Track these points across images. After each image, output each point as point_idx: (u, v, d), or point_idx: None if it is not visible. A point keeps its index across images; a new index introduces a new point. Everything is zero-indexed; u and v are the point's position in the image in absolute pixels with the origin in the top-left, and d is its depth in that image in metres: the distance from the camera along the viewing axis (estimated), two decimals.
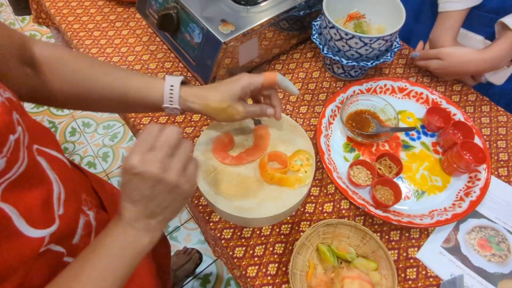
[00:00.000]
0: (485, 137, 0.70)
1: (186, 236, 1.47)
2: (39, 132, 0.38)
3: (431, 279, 0.56)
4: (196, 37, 0.70)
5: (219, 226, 0.60)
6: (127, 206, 0.35)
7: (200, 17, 0.68)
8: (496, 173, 0.66)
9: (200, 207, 0.62)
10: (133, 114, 0.72)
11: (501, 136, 0.71)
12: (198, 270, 1.40)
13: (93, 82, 0.46)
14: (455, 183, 0.64)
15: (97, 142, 1.75)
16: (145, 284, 0.56)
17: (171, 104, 0.48)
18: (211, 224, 0.60)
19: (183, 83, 0.49)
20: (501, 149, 0.69)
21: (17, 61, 0.42)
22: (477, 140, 0.66)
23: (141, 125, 0.71)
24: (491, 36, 0.72)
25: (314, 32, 0.75)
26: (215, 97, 0.48)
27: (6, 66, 0.40)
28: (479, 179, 0.63)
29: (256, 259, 0.57)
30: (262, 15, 0.69)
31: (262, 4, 0.71)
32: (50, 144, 0.39)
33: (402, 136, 0.70)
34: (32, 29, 2.14)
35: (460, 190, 0.64)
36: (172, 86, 0.47)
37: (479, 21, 0.74)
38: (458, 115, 0.70)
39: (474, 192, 0.61)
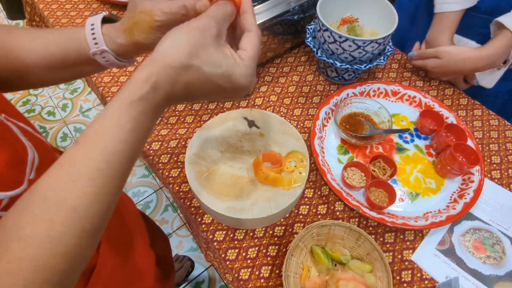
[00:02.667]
0: (477, 140, 0.71)
1: (178, 243, 1.44)
2: (6, 105, 0.36)
3: (426, 282, 0.55)
4: None
5: (211, 228, 0.59)
6: (177, 97, 0.32)
7: None
8: (489, 175, 0.66)
9: (193, 209, 0.60)
10: None
11: (493, 139, 0.71)
12: (190, 277, 1.37)
13: (12, 49, 0.40)
14: (449, 185, 0.64)
15: None
16: (146, 272, 0.55)
17: (97, 47, 0.39)
18: (203, 226, 0.59)
19: (108, 21, 0.40)
20: (494, 152, 0.69)
21: None
22: (470, 143, 0.66)
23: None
24: (484, 40, 0.73)
25: (308, 36, 0.75)
26: (126, 13, 0.39)
27: None
28: (472, 181, 0.63)
29: (249, 261, 0.56)
30: (256, 17, 0.70)
31: (256, 7, 0.72)
32: (19, 118, 0.37)
33: (395, 138, 0.70)
34: None
35: (454, 192, 0.63)
36: (92, 24, 0.39)
37: (474, 23, 0.75)
38: (450, 118, 0.71)
39: (468, 194, 0.61)
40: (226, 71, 0.32)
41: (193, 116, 0.71)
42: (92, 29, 0.39)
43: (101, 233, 0.30)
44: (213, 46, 0.32)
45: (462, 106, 0.76)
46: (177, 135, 0.69)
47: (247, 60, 0.33)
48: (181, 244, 1.45)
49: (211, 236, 0.58)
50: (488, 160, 0.68)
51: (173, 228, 1.48)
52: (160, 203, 1.55)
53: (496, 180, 0.66)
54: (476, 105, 0.76)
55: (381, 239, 0.59)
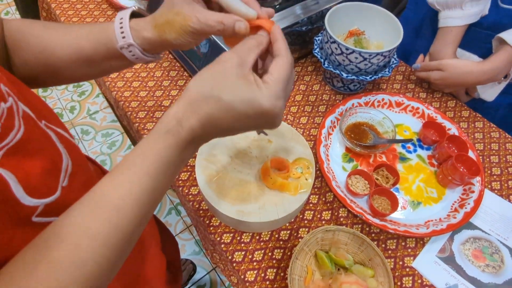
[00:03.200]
0: (478, 151, 0.73)
1: (180, 246, 1.46)
2: (46, 111, 0.38)
3: None
4: (202, 47, 0.72)
5: (219, 230, 0.61)
6: (203, 131, 0.32)
7: None
8: (489, 186, 0.68)
9: (201, 212, 0.62)
10: (137, 119, 0.73)
11: (494, 151, 0.73)
12: (192, 281, 1.38)
13: (48, 44, 0.41)
14: (450, 195, 0.66)
15: (94, 150, 1.75)
16: (157, 276, 0.56)
17: (124, 40, 0.40)
18: (211, 228, 0.61)
19: (136, 15, 0.42)
20: (494, 163, 0.71)
21: None
22: (471, 154, 0.68)
23: (145, 130, 0.72)
24: (486, 54, 0.75)
25: (316, 47, 0.78)
26: (161, 9, 0.39)
27: None
28: (473, 192, 0.65)
29: (255, 263, 0.58)
30: None
31: None
32: (56, 123, 0.39)
33: (399, 148, 0.72)
34: None
35: (455, 201, 0.65)
36: (121, 18, 0.40)
37: (476, 37, 0.77)
38: (452, 129, 0.73)
39: (468, 204, 0.63)
40: (247, 96, 0.32)
41: None
42: (121, 23, 0.40)
43: (120, 263, 0.31)
44: (234, 74, 0.32)
45: (464, 118, 0.78)
46: None
47: (271, 83, 0.33)
48: (184, 247, 1.46)
49: (218, 239, 0.60)
50: (489, 172, 0.70)
51: (176, 232, 1.50)
52: (163, 206, 1.57)
53: (496, 191, 0.67)
54: (478, 118, 0.78)
55: (383, 245, 0.61)
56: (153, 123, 0.73)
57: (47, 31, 0.42)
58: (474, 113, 0.79)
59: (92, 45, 0.41)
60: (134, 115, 0.74)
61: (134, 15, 0.41)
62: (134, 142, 1.71)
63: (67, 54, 0.41)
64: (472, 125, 0.77)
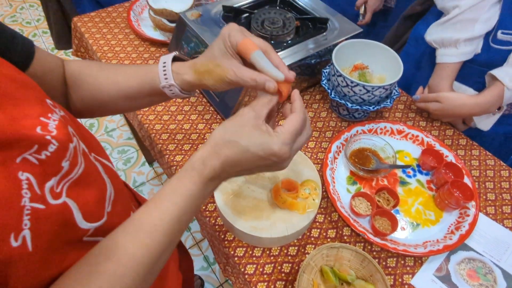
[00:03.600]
0: (474, 178, 0.78)
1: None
2: (94, 143, 0.44)
3: None
4: None
5: (232, 244, 0.67)
6: (222, 170, 0.39)
7: None
8: (484, 211, 0.73)
9: (217, 227, 0.69)
10: (160, 140, 0.81)
11: (489, 178, 0.79)
12: None
13: (101, 83, 0.49)
14: (447, 218, 0.71)
15: None
16: None
17: (167, 81, 0.47)
18: (225, 242, 0.67)
19: (177, 59, 0.49)
20: (489, 189, 0.77)
21: (60, 83, 0.49)
22: (466, 180, 0.74)
23: (167, 151, 0.80)
24: (481, 87, 0.82)
25: (323, 78, 0.86)
26: (202, 58, 0.46)
27: (52, 88, 0.47)
28: (468, 215, 0.70)
29: (265, 276, 0.63)
30: None
31: (279, 53, 0.83)
32: (102, 155, 0.45)
33: (399, 173, 0.78)
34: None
35: (452, 224, 0.70)
36: (164, 62, 0.47)
37: (471, 72, 0.84)
38: (450, 157, 0.79)
39: (464, 226, 0.68)
40: (260, 141, 0.39)
41: None
42: (164, 66, 0.47)
43: (150, 281, 0.37)
44: (250, 124, 0.40)
45: (461, 146, 0.84)
46: None
47: (281, 133, 0.40)
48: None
49: (232, 252, 0.66)
50: (484, 197, 0.75)
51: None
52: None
53: (490, 215, 0.72)
54: (474, 146, 0.84)
55: (384, 263, 0.66)
56: (174, 144, 0.81)
57: (101, 72, 0.51)
58: (471, 142, 0.85)
59: (138, 84, 0.50)
60: (165, 147, 0.81)
61: (175, 58, 0.50)
62: (149, 158, 1.79)
63: (116, 91, 0.50)
64: (469, 152, 0.83)
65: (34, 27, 2.57)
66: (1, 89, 0.30)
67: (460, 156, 0.82)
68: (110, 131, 1.99)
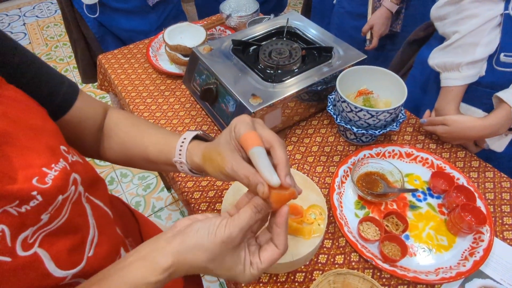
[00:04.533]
0: (489, 201, 0.76)
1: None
2: (95, 184, 0.44)
3: None
4: (230, 107, 0.85)
5: None
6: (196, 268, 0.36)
7: (235, 91, 0.83)
8: (501, 236, 0.70)
9: None
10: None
11: (505, 200, 0.76)
12: None
13: (129, 141, 0.52)
14: (461, 243, 0.69)
15: (131, 191, 1.90)
16: None
17: (180, 158, 0.48)
18: None
19: (198, 138, 0.50)
20: (506, 213, 0.74)
21: (95, 129, 0.53)
22: (479, 203, 0.72)
23: (180, 177, 0.83)
24: (489, 108, 0.81)
25: (329, 104, 0.88)
26: (210, 144, 0.45)
27: (87, 133, 0.51)
28: (482, 240, 0.67)
29: None
30: (286, 90, 0.84)
31: (286, 81, 0.87)
32: (100, 196, 0.45)
33: (409, 197, 0.77)
34: (89, 91, 2.49)
35: (465, 250, 0.68)
36: (184, 138, 0.48)
37: (477, 95, 0.84)
38: (461, 179, 0.77)
39: (478, 252, 0.66)
40: (234, 275, 0.38)
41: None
42: (182, 142, 0.48)
43: None
44: (230, 254, 0.37)
45: (474, 168, 0.82)
46: (215, 186, 0.81)
47: (257, 271, 0.38)
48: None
49: None
50: (500, 221, 0.73)
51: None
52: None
53: (508, 241, 0.69)
54: (488, 168, 0.82)
55: None
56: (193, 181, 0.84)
57: (132, 129, 0.54)
58: (484, 163, 0.83)
59: (157, 152, 0.51)
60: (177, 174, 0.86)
61: (198, 137, 0.50)
62: (167, 184, 1.84)
63: (139, 151, 0.53)
64: (483, 175, 0.81)
65: (66, 63, 2.79)
66: (15, 139, 0.33)
67: (472, 179, 0.80)
68: None
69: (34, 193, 0.32)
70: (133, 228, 0.62)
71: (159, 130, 0.54)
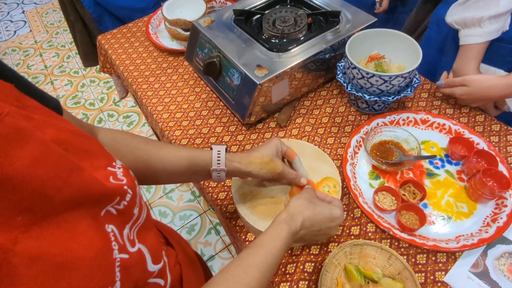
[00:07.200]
0: (511, 165, 0.72)
1: (220, 265, 1.52)
2: None
3: None
4: (235, 80, 0.81)
5: None
6: (302, 226, 0.51)
7: (239, 64, 0.80)
8: None
9: (237, 228, 0.69)
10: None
11: None
12: None
13: (150, 157, 0.53)
14: (482, 210, 0.66)
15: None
16: None
17: (219, 166, 0.56)
18: (247, 243, 0.67)
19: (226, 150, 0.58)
20: None
21: None
22: (501, 168, 0.68)
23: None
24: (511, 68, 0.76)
25: (339, 72, 0.84)
26: (257, 155, 0.59)
27: None
28: (506, 206, 0.64)
29: (287, 276, 0.62)
30: (292, 59, 0.80)
31: (292, 50, 0.82)
32: None
33: (426, 164, 0.74)
34: (92, 76, 2.47)
35: (487, 216, 0.65)
36: (219, 151, 0.57)
37: (500, 52, 0.78)
38: (481, 144, 0.73)
39: (501, 218, 0.63)
40: (329, 207, 0.54)
41: (237, 146, 0.82)
42: (219, 154, 0.56)
43: None
44: (316, 198, 0.56)
45: (494, 132, 0.78)
46: None
47: (338, 205, 0.56)
48: (223, 266, 1.52)
49: None
50: None
51: (216, 251, 1.57)
52: (204, 226, 1.66)
53: None
54: (510, 131, 0.78)
55: (413, 260, 0.62)
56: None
57: (148, 146, 0.54)
58: (505, 127, 0.79)
59: (189, 163, 0.56)
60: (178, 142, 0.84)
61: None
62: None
63: (163, 166, 0.54)
64: (504, 138, 0.77)
65: (68, 49, 2.76)
66: (72, 144, 0.31)
67: (493, 143, 0.76)
68: (117, 102, 2.07)
69: (125, 187, 0.33)
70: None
71: (178, 147, 0.59)
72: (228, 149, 0.61)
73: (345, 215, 0.57)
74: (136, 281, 0.34)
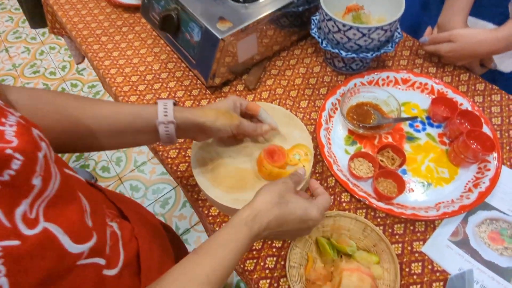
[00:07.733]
0: (495, 126, 0.67)
1: (196, 238, 1.48)
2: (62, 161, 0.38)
3: (437, 274, 0.53)
4: (195, 35, 0.71)
5: (218, 220, 0.60)
6: (267, 227, 0.41)
7: (199, 16, 0.69)
8: (508, 163, 0.63)
9: (200, 202, 0.62)
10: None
11: None
12: None
13: (81, 114, 0.45)
14: (463, 175, 0.62)
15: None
16: None
17: (166, 118, 0.48)
18: (210, 218, 0.60)
19: (174, 104, 0.51)
20: None
21: None
22: (485, 129, 0.63)
23: None
24: (502, 21, 0.69)
25: (313, 27, 0.74)
26: (211, 106, 0.53)
27: None
28: (488, 169, 0.60)
29: (254, 252, 0.56)
30: (260, 11, 0.70)
31: (260, 1, 0.72)
32: (64, 164, 0.39)
33: (406, 127, 0.68)
34: (52, 42, 2.25)
35: (469, 181, 0.61)
36: (165, 103, 0.49)
37: (489, 2, 0.71)
38: (465, 104, 0.67)
39: (484, 183, 0.58)
40: (304, 206, 0.44)
41: None
42: (165, 106, 0.48)
43: None
44: (292, 192, 0.45)
45: (478, 92, 0.73)
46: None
47: (320, 203, 0.45)
48: (199, 239, 1.48)
49: (217, 228, 0.59)
50: (508, 147, 0.65)
51: (191, 224, 1.52)
52: (178, 199, 1.59)
53: None
54: (495, 90, 0.72)
55: (390, 230, 0.57)
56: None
57: (77, 103, 0.45)
58: (490, 86, 0.73)
59: (130, 119, 0.47)
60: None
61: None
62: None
63: (98, 125, 0.46)
64: (488, 98, 0.71)
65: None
66: None
67: (477, 103, 0.70)
68: (81, 70, 1.96)
69: (9, 151, 0.25)
70: (100, 196, 0.52)
71: (116, 103, 0.50)
72: (177, 104, 0.52)
73: (324, 217, 0.48)
74: (51, 269, 0.28)
